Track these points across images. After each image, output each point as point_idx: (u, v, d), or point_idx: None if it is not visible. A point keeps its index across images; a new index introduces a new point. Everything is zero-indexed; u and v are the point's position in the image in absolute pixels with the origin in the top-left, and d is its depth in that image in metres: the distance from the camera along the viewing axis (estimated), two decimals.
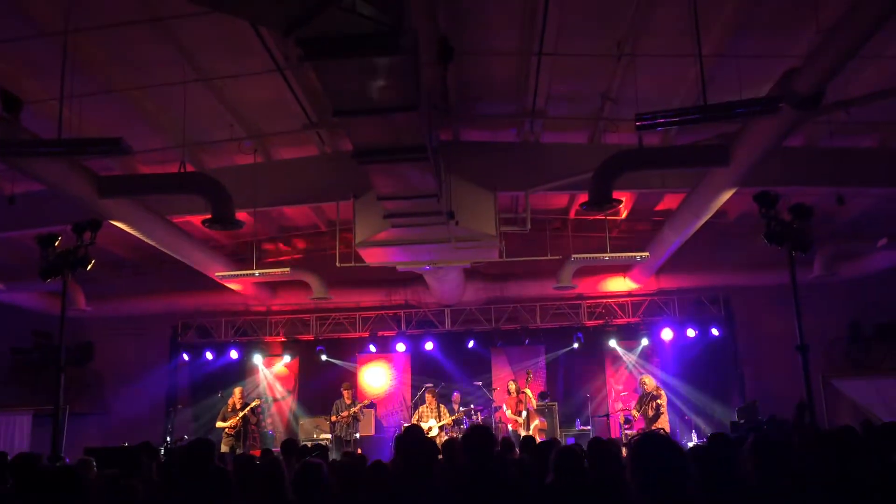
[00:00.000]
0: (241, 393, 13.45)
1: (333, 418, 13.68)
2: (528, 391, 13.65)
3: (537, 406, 13.80)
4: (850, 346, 14.87)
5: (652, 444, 3.04)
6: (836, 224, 13.59)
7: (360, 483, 4.88)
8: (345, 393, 14.00)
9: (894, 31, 7.33)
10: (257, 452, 11.71)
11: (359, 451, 12.63)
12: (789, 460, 3.76)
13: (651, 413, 12.96)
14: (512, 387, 14.03)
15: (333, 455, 12.57)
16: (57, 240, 7.55)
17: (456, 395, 14.19)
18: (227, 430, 12.94)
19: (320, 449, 8.19)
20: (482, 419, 14.02)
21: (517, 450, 8.04)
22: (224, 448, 12.72)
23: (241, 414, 13.02)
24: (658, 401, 13.01)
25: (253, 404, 13.39)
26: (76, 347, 15.47)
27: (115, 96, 9.25)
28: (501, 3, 8.34)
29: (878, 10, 6.11)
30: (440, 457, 5.64)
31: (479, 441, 4.15)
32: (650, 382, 13.39)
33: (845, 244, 13.42)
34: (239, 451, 12.52)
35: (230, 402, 13.33)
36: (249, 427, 13.32)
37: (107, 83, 8.99)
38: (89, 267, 7.62)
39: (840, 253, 13.41)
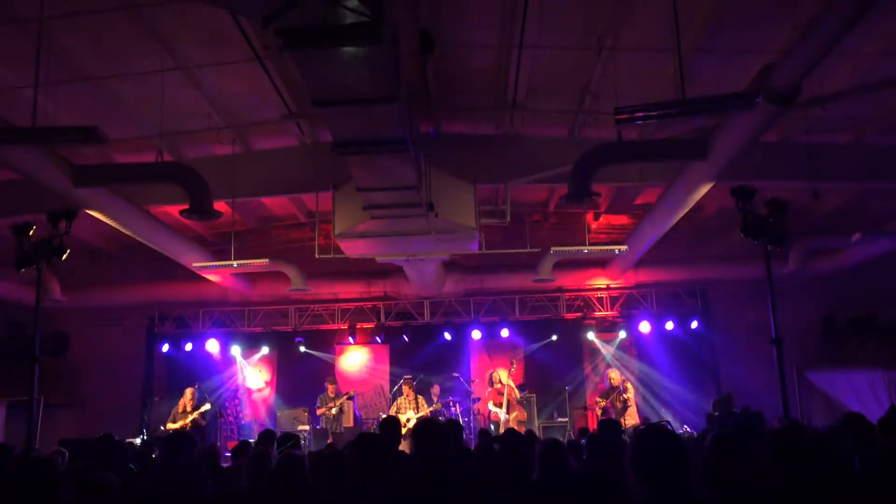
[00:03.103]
0: (193, 394, 13.31)
1: (320, 411, 13.72)
2: (510, 382, 13.71)
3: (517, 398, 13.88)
4: (824, 339, 15.08)
5: (654, 436, 3.06)
6: (812, 219, 13.74)
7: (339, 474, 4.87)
8: (329, 387, 14.05)
9: (869, 28, 7.42)
10: (232, 444, 11.65)
11: (329, 441, 12.67)
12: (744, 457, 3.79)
13: (619, 406, 13.15)
14: (495, 377, 14.07)
15: (311, 446, 12.65)
16: (31, 229, 7.48)
17: (436, 387, 14.23)
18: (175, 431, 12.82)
19: (293, 439, 8.13)
20: (460, 410, 14.09)
21: (495, 444, 8.06)
22: None
23: (190, 417, 12.91)
24: (625, 395, 13.22)
25: (203, 409, 13.23)
26: (51, 338, 15.31)
27: (90, 84, 9.13)
28: None
29: (853, 7, 6.17)
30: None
31: (430, 436, 4.05)
32: (616, 376, 13.63)
33: (820, 239, 13.58)
34: None
35: (181, 403, 13.16)
36: (199, 429, 13.12)
37: (82, 71, 8.86)
38: (64, 257, 7.55)
39: (815, 247, 13.57)
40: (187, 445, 5.10)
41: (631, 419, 12.92)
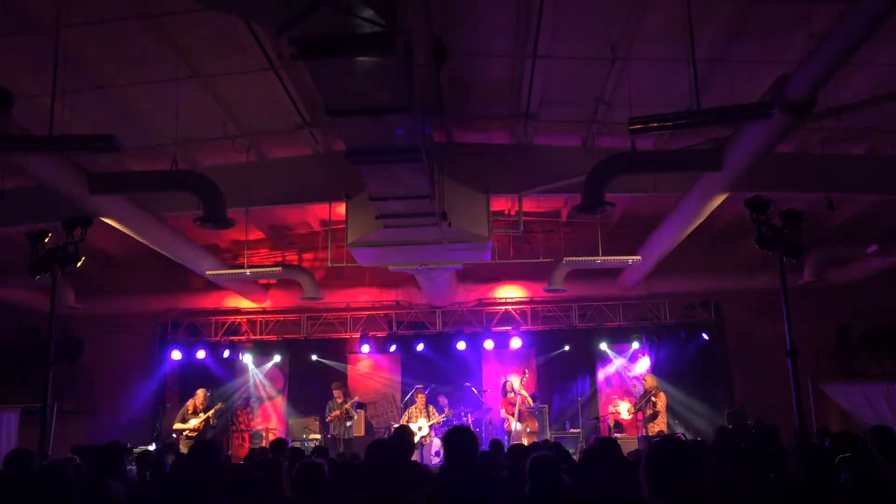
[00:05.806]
0: (204, 395, 13.24)
1: (328, 419, 13.64)
2: (523, 391, 13.66)
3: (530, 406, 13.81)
4: (839, 351, 14.93)
5: (668, 449, 3.02)
6: (827, 230, 13.64)
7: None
8: (335, 392, 13.99)
9: (885, 39, 7.38)
10: (244, 452, 11.64)
11: (340, 449, 12.64)
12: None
13: (649, 412, 12.92)
14: (508, 385, 14.02)
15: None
16: (47, 236, 7.51)
17: (442, 399, 14.19)
18: (187, 431, 12.68)
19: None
20: (472, 420, 14.04)
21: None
22: (183, 449, 12.54)
23: (202, 417, 12.80)
24: (654, 399, 12.99)
25: (217, 407, 13.16)
26: (65, 344, 15.35)
27: (107, 93, 9.21)
28: (496, 4, 8.34)
29: (869, 18, 6.14)
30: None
31: (461, 441, 4.07)
32: (650, 380, 13.37)
33: (835, 250, 13.47)
34: None
35: (190, 403, 13.03)
36: (208, 431, 12.99)
37: (99, 79, 8.94)
38: (79, 264, 7.57)
39: (830, 258, 13.46)
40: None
41: (658, 428, 12.73)
